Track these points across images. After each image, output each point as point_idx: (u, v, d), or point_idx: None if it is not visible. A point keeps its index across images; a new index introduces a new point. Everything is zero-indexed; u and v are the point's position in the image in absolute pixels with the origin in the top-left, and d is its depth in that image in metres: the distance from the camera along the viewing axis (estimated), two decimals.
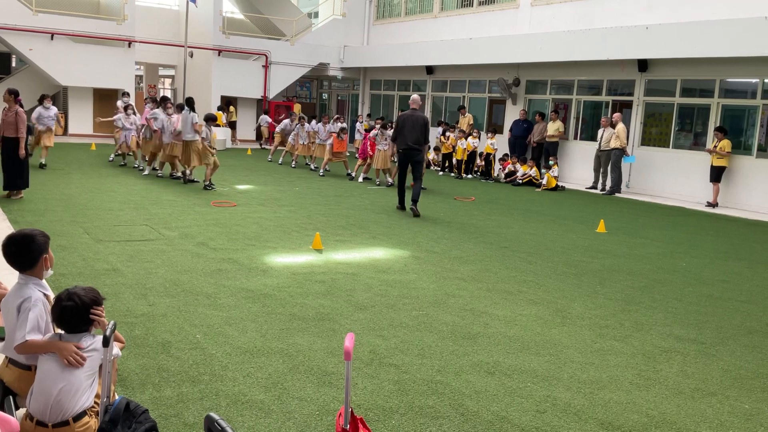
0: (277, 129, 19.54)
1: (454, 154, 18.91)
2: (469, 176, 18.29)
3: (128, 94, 19.02)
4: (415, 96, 11.72)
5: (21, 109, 10.19)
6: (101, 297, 3.20)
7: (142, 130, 15.35)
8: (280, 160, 19.00)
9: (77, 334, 3.11)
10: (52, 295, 3.36)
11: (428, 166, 19.90)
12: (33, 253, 3.28)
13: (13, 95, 10.13)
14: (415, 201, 11.20)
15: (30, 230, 3.36)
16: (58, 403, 2.95)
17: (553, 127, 17.95)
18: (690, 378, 4.76)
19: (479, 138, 18.44)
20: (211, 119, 13.32)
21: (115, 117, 16.28)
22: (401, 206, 11.73)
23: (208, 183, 12.84)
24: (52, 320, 3.15)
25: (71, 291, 3.11)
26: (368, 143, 15.69)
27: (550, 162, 17.09)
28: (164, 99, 15.19)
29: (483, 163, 18.42)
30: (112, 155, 16.68)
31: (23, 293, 3.21)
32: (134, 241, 8.00)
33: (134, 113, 16.21)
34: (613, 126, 16.07)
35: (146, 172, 14.72)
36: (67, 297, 3.08)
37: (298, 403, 4.00)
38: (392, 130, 12.33)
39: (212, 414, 2.09)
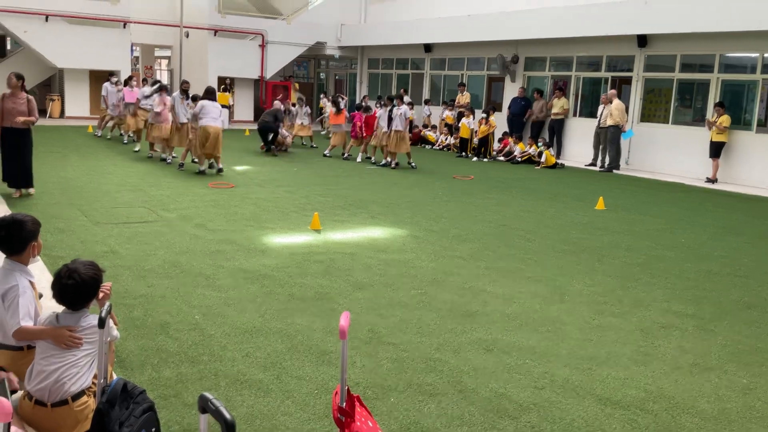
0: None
1: (454, 132, 18.73)
2: (475, 159, 17.60)
3: (116, 75, 19.20)
4: None
5: (30, 96, 9.03)
6: (101, 271, 3.18)
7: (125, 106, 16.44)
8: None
9: (76, 313, 3.11)
10: (36, 282, 3.36)
11: (417, 142, 19.78)
12: (22, 240, 3.28)
13: (21, 80, 8.80)
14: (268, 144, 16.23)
15: (22, 216, 3.34)
16: (57, 383, 2.96)
17: (559, 105, 17.76)
18: (688, 353, 4.77)
19: (473, 117, 18.06)
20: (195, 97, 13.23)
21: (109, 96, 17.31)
22: (268, 148, 16.06)
23: (182, 162, 13.11)
24: (52, 296, 3.14)
25: (71, 267, 3.08)
26: (361, 123, 15.66)
27: (539, 144, 16.79)
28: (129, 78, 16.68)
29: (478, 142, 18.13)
30: (105, 133, 17.95)
31: (9, 281, 3.21)
32: (132, 223, 7.99)
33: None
34: (611, 102, 15.95)
35: (137, 148, 14.88)
36: (67, 275, 3.05)
37: (296, 382, 4.01)
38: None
39: (206, 394, 2.09)
